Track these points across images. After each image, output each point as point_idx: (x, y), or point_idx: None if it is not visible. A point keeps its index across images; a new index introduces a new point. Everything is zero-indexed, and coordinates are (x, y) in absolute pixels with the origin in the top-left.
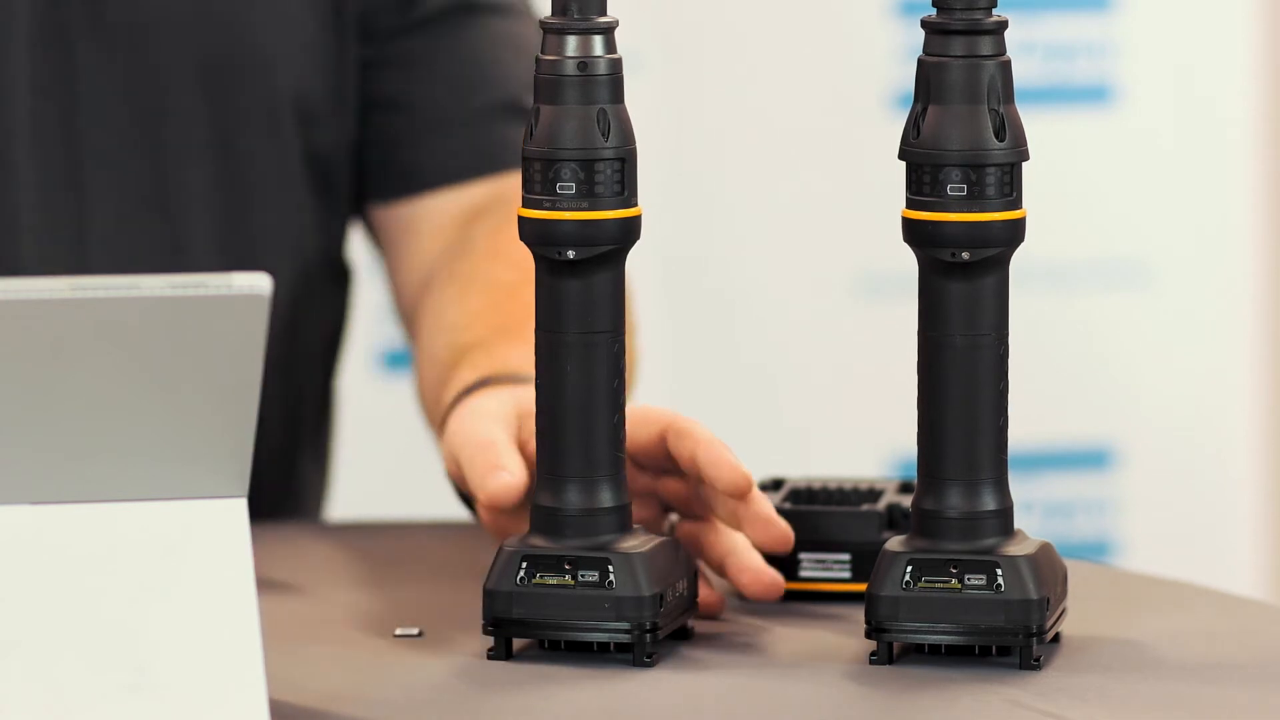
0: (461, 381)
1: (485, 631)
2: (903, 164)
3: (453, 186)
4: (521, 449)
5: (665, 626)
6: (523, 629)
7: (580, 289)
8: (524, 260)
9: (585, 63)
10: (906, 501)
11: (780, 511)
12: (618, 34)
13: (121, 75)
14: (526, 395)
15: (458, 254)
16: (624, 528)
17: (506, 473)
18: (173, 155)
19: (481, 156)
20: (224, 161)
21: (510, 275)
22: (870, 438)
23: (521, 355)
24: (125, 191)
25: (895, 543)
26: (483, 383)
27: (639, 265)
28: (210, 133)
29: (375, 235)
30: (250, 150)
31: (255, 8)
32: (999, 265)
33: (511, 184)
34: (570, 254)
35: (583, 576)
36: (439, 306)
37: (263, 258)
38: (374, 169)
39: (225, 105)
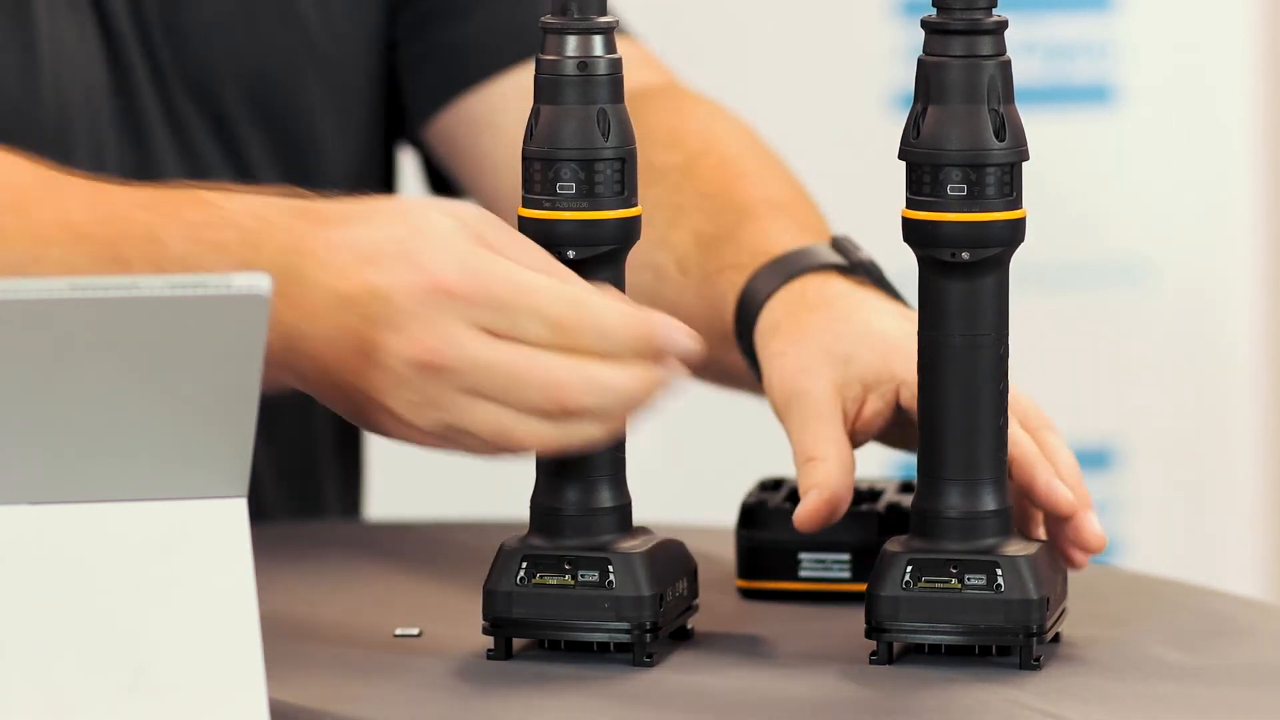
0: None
1: (485, 631)
2: (903, 164)
3: (524, 61)
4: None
5: (665, 626)
6: (523, 629)
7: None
8: (686, 138)
9: (585, 63)
10: (906, 501)
11: (781, 511)
12: (617, 34)
13: (187, 77)
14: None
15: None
16: (624, 528)
17: (815, 491)
18: (244, 153)
19: (523, 35)
20: (295, 159)
21: (675, 158)
22: None
23: (770, 231)
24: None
25: (895, 543)
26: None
27: None
28: (277, 130)
29: (441, 156)
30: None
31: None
32: (999, 265)
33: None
34: (570, 254)
35: (583, 576)
36: None
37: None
38: (426, 77)
39: (286, 101)
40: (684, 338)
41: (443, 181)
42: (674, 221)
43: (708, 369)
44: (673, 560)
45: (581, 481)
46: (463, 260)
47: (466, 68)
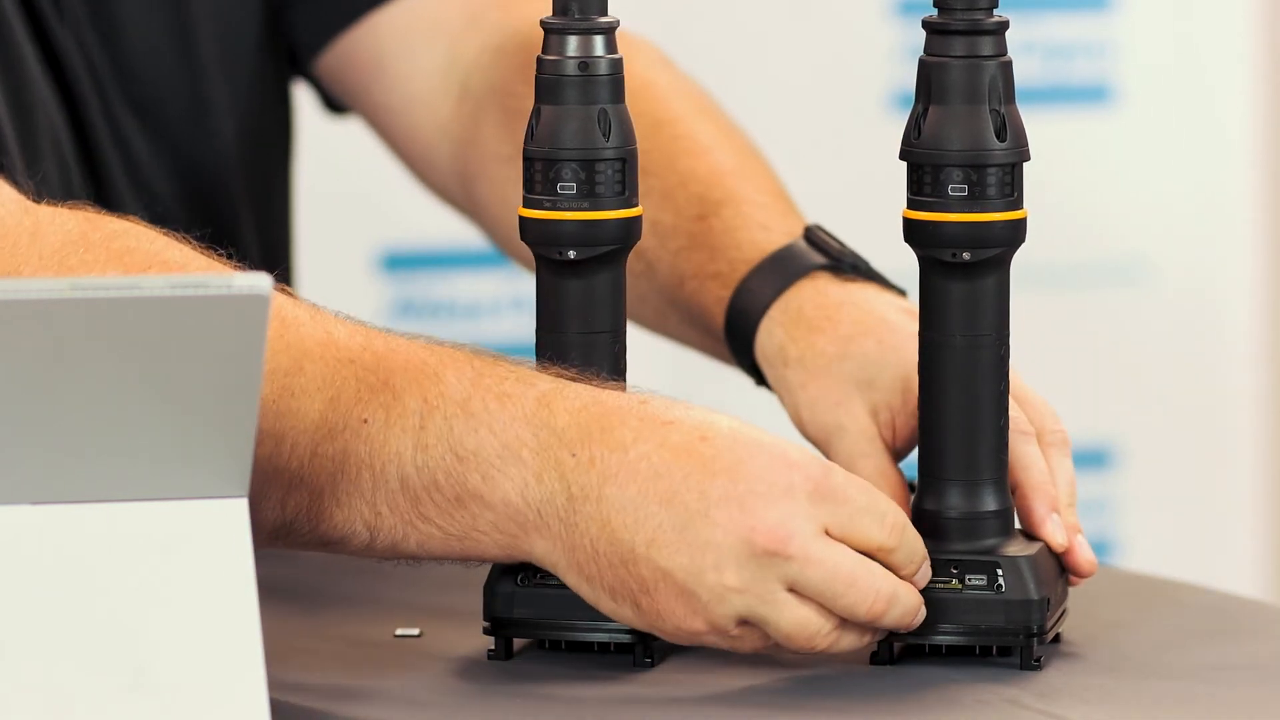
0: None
1: (485, 631)
2: (903, 164)
3: None
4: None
5: None
6: (523, 629)
7: (581, 289)
8: (636, 98)
9: (586, 63)
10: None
11: None
12: (618, 34)
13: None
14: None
15: (508, 123)
16: None
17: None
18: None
19: None
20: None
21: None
22: None
23: (753, 237)
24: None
25: None
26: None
27: None
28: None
29: (336, 94)
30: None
31: None
32: (999, 265)
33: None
34: (571, 254)
35: None
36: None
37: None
38: (306, 14)
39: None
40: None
41: (338, 105)
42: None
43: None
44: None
45: None
46: (817, 455)
47: (342, 4)
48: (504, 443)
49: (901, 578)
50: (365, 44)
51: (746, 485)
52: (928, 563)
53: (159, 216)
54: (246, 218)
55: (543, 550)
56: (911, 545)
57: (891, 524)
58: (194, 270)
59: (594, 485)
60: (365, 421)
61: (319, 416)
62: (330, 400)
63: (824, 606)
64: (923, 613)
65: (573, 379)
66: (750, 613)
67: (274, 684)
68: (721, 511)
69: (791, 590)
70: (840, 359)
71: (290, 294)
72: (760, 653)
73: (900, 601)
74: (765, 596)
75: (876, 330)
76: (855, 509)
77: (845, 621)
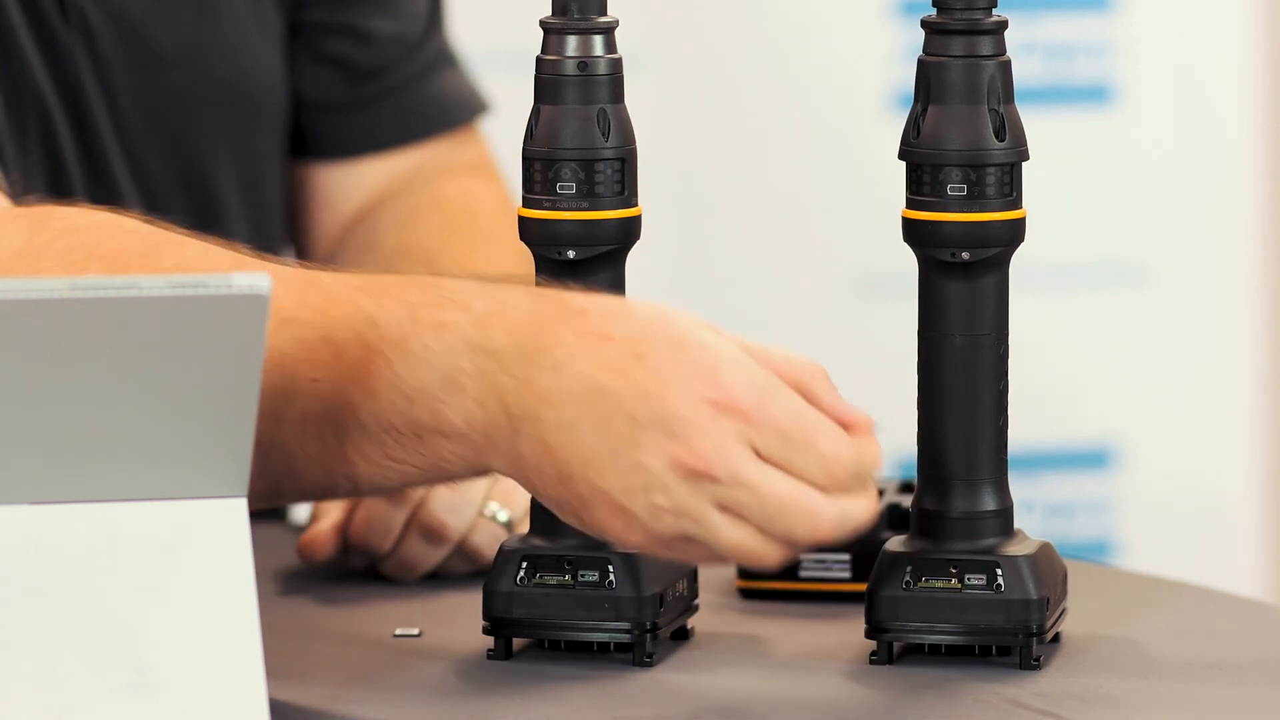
0: None
1: (485, 631)
2: (903, 164)
3: (371, 155)
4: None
5: (665, 626)
6: (523, 629)
7: (580, 289)
8: (431, 254)
9: (585, 63)
10: (906, 501)
11: None
12: (618, 34)
13: (146, 110)
14: None
15: (365, 249)
16: None
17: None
18: (206, 180)
19: (398, 127)
20: (249, 182)
21: (418, 271)
22: None
23: None
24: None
25: (895, 543)
26: None
27: (639, 265)
28: (235, 157)
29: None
30: (267, 166)
31: (242, 27)
32: (999, 265)
33: (429, 152)
34: (570, 254)
35: (582, 576)
36: None
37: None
38: (306, 126)
39: (244, 128)
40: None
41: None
42: None
43: None
44: (673, 560)
45: None
46: (756, 383)
47: (335, 144)
48: (444, 375)
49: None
50: (331, 179)
51: (674, 409)
52: (877, 462)
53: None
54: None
55: (499, 466)
56: (857, 468)
57: (836, 471)
58: (136, 259)
59: (531, 407)
60: (315, 381)
61: (272, 386)
62: (277, 366)
63: (761, 530)
64: (869, 514)
65: (515, 285)
66: (686, 533)
67: (274, 684)
68: (649, 435)
69: (728, 511)
70: None
71: (226, 245)
72: (716, 564)
73: (847, 521)
74: (699, 518)
75: None
76: (788, 441)
77: (794, 542)
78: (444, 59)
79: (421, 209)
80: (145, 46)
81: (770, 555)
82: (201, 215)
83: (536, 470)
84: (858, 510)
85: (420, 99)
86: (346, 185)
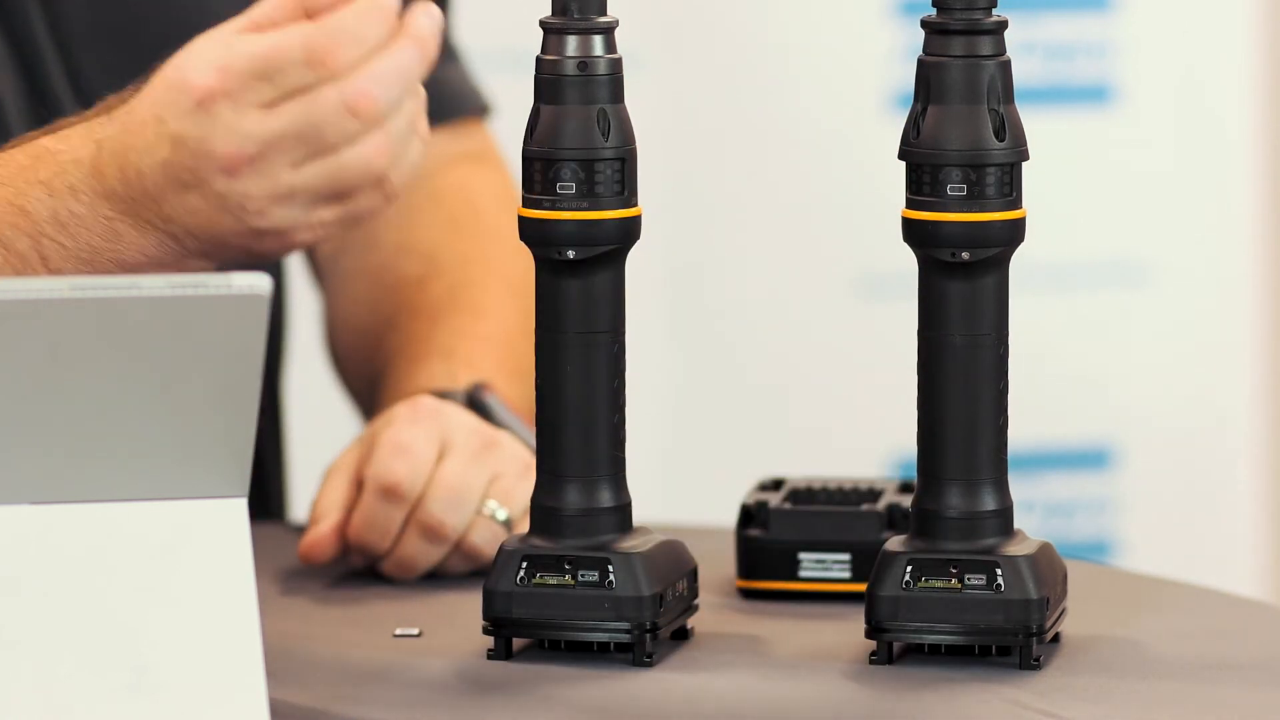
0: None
1: (485, 631)
2: (903, 164)
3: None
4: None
5: (665, 626)
6: (523, 629)
7: (580, 289)
8: (432, 251)
9: (585, 63)
10: (906, 501)
11: (780, 512)
12: (618, 34)
13: (106, 63)
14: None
15: (366, 245)
16: (624, 528)
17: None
18: None
19: None
20: None
21: (419, 269)
22: (870, 438)
23: (425, 374)
24: None
25: (895, 543)
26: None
27: (639, 265)
28: None
29: None
30: None
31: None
32: (999, 265)
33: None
34: (570, 254)
35: (583, 576)
36: (353, 306)
37: None
38: None
39: None
40: (424, 16)
41: None
42: (384, 336)
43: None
44: (673, 560)
45: (582, 481)
46: (209, 60)
47: None
48: (102, 225)
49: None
50: None
51: (183, 128)
52: (395, 18)
53: None
54: None
55: (167, 227)
56: (354, 36)
57: (309, 55)
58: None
59: (131, 169)
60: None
61: None
62: None
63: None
64: (423, 66)
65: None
66: (251, 228)
67: (274, 684)
68: (202, 166)
69: (299, 168)
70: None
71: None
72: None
73: (382, 76)
74: (256, 206)
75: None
76: (271, 74)
77: (346, 134)
78: (445, 52)
79: (420, 205)
80: (107, 5)
81: (327, 219)
82: None
83: (147, 210)
84: (391, 62)
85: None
86: None
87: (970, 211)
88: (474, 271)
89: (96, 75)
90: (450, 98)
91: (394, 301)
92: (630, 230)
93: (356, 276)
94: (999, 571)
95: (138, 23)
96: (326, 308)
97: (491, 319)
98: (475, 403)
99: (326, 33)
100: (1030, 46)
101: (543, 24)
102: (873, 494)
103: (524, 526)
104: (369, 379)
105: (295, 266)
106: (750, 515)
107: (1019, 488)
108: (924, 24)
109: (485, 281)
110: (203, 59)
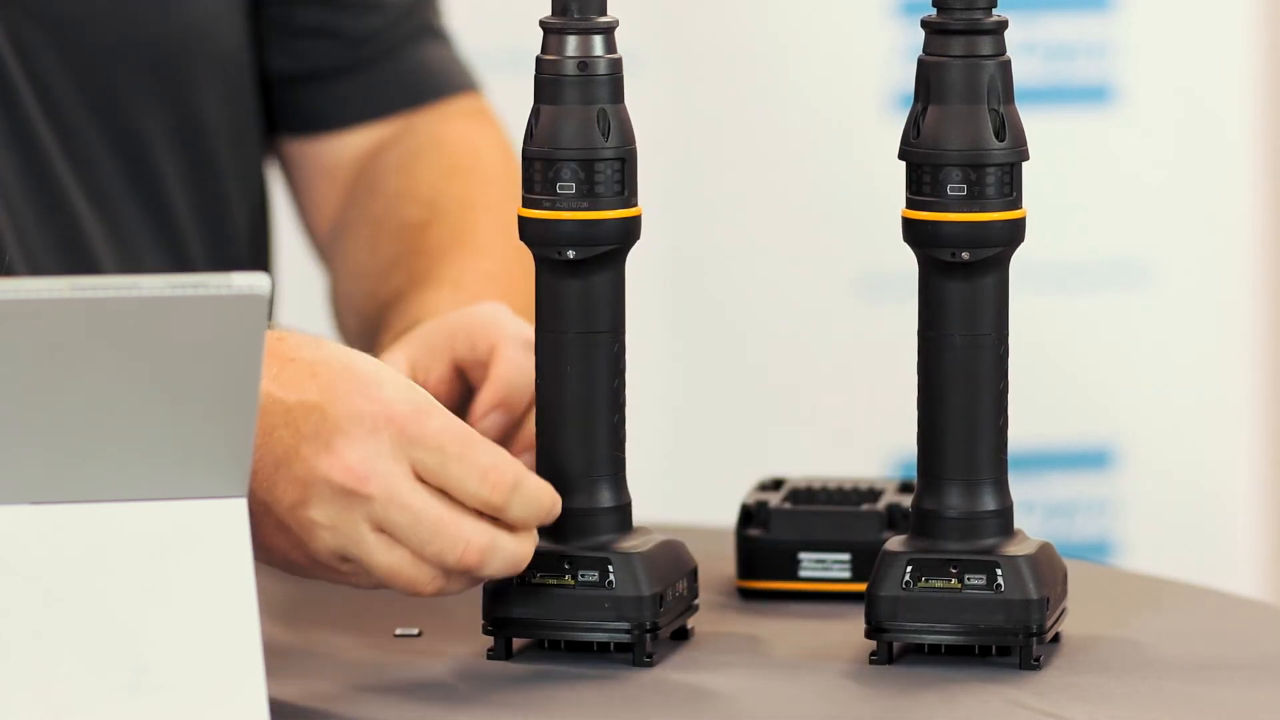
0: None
1: (485, 631)
2: (903, 164)
3: (367, 124)
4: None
5: (665, 626)
6: (523, 629)
7: (580, 289)
8: (434, 196)
9: (585, 63)
10: (906, 501)
11: (780, 512)
12: (618, 33)
13: (71, 69)
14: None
15: (368, 194)
16: (624, 528)
17: None
18: (138, 141)
19: (393, 93)
20: (189, 139)
21: (421, 214)
22: (870, 438)
23: (432, 301)
24: (98, 183)
25: (895, 543)
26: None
27: (639, 265)
28: (170, 113)
29: (282, 169)
30: (210, 120)
31: None
32: (999, 265)
33: (420, 115)
34: (570, 254)
35: (583, 576)
36: (354, 251)
37: (232, 217)
38: (297, 101)
39: (179, 82)
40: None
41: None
42: (387, 274)
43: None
44: (673, 560)
45: (582, 481)
46: (415, 400)
47: (329, 115)
48: None
49: (518, 530)
50: (329, 150)
51: (334, 422)
52: (555, 509)
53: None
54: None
55: None
56: (528, 498)
57: (495, 480)
58: None
59: None
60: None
61: None
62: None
63: (414, 553)
64: (526, 558)
65: None
66: (344, 551)
67: (274, 684)
68: (309, 446)
69: (383, 532)
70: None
71: None
72: (379, 588)
73: (500, 552)
74: (353, 536)
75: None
76: (446, 456)
77: (445, 567)
78: (433, 31)
79: (423, 150)
80: (62, 4)
81: (423, 581)
82: (134, 176)
83: None
84: (512, 546)
85: (413, 65)
86: (345, 152)
87: (970, 211)
88: (476, 214)
89: (69, 98)
90: (457, 74)
91: (396, 244)
92: (630, 230)
93: (358, 224)
94: (999, 571)
95: (108, 50)
96: (329, 270)
97: (496, 258)
98: None
99: (513, 474)
100: (1030, 46)
101: (543, 24)
102: (873, 494)
103: None
104: (369, 316)
105: (290, 265)
106: (750, 515)
107: (1019, 488)
108: (924, 24)
109: (487, 223)
110: (407, 390)
